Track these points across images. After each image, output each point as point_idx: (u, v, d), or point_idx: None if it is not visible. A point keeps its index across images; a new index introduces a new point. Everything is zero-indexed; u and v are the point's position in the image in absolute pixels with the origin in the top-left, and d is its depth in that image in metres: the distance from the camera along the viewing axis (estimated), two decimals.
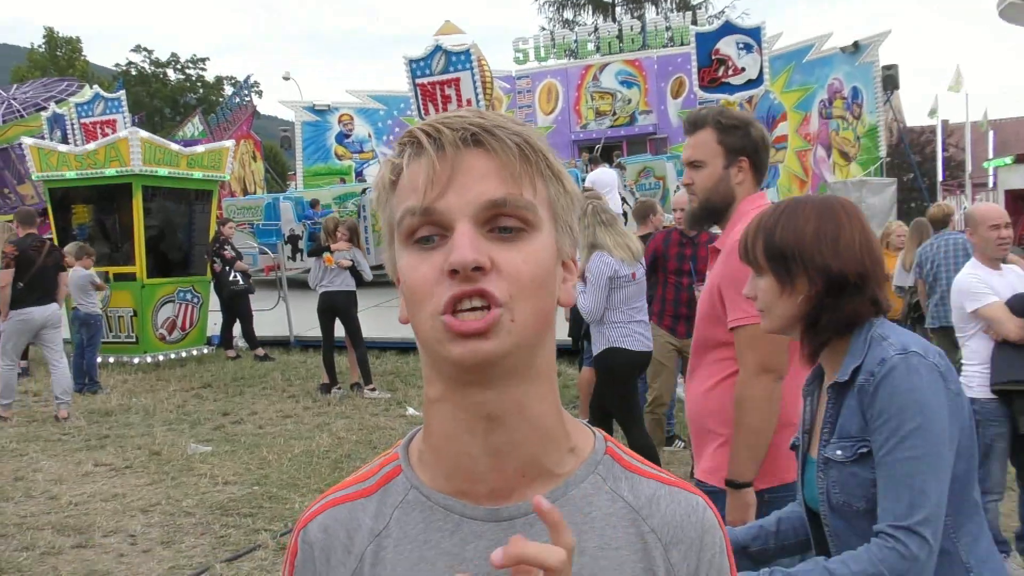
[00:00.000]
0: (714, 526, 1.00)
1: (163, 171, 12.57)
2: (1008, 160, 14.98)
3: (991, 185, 22.40)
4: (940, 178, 28.81)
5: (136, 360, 11.97)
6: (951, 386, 1.76)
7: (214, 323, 13.12)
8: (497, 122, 0.93)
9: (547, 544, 0.82)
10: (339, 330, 9.89)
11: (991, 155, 27.78)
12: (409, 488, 0.99)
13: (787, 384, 2.62)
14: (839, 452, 1.79)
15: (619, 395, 5.96)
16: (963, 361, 4.71)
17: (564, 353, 10.28)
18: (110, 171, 12.27)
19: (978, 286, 4.58)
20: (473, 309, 0.89)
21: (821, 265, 1.86)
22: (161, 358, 12.09)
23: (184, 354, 12.41)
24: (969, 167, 28.77)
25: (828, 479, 1.82)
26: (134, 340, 12.23)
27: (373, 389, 9.85)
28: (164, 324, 12.43)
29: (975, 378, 4.59)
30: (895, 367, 1.73)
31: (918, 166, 25.39)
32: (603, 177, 14.31)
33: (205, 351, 12.81)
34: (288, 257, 16.17)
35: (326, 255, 9.71)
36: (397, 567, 0.96)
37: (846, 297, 1.85)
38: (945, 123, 32.53)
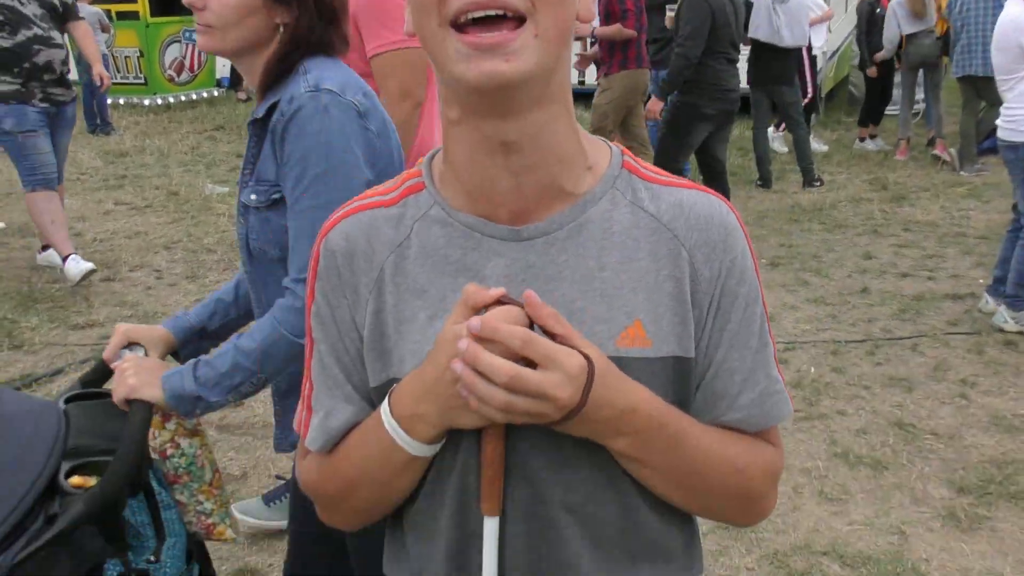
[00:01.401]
0: (736, 227, 0.98)
1: None
2: None
3: None
4: None
5: (147, 102, 11.91)
6: (372, 127, 1.61)
7: (223, 64, 12.91)
8: None
9: (497, 361, 0.83)
10: None
11: None
12: (432, 204, 0.98)
13: (430, 109, 2.67)
14: (253, 197, 1.65)
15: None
16: (1012, 106, 4.58)
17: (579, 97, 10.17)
18: None
19: None
20: (488, 20, 0.82)
21: None
22: (171, 100, 12.02)
23: (195, 96, 12.33)
24: None
25: (247, 225, 1.68)
26: (143, 81, 12.11)
27: None
28: (172, 65, 12.26)
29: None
30: (303, 106, 1.56)
31: None
32: None
33: (215, 93, 12.71)
34: None
35: None
36: (419, 279, 0.96)
37: (328, 26, 1.67)
38: None
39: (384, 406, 0.95)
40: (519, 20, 0.82)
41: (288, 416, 1.72)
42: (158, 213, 7.19)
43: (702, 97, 6.04)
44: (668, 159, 6.11)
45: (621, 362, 0.92)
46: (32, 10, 5.24)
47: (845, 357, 4.49)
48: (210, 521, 1.70)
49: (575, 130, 0.95)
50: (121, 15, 11.91)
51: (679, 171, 5.95)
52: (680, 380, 0.96)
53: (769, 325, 1.02)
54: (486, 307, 0.87)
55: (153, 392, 1.53)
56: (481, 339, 0.85)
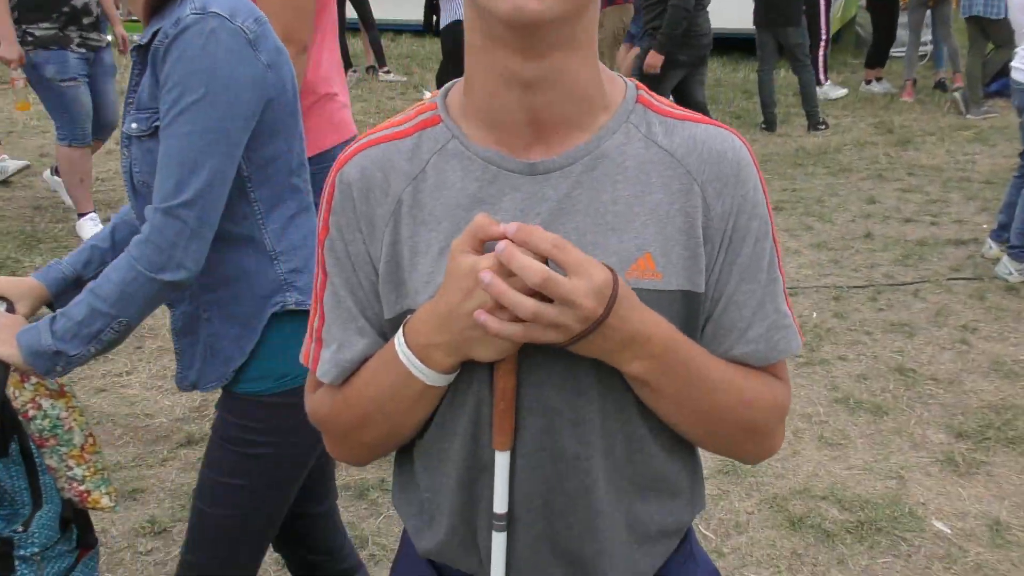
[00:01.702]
0: (748, 162, 0.99)
1: None
2: None
3: None
4: None
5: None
6: (262, 56, 1.52)
7: None
8: None
9: (531, 260, 0.85)
10: (352, 12, 9.61)
11: None
12: (449, 138, 0.99)
13: (318, 53, 2.59)
14: (135, 125, 1.56)
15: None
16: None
17: None
18: None
19: None
20: None
21: None
22: None
23: None
24: None
25: (131, 156, 1.60)
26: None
27: (388, 71, 9.74)
28: None
29: None
30: (187, 27, 1.46)
31: None
32: None
33: None
34: None
35: None
36: (435, 211, 0.97)
37: None
38: None
39: (399, 336, 0.97)
40: None
41: (188, 353, 1.67)
42: None
43: (673, 43, 6.00)
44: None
45: (634, 293, 0.93)
46: None
47: (847, 302, 4.50)
48: (83, 488, 1.65)
49: (597, 71, 0.96)
50: None
51: None
52: (688, 314, 0.98)
53: (780, 260, 1.03)
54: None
55: (7, 350, 1.47)
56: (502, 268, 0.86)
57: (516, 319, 0.88)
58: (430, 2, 9.90)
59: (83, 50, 5.05)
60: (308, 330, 1.08)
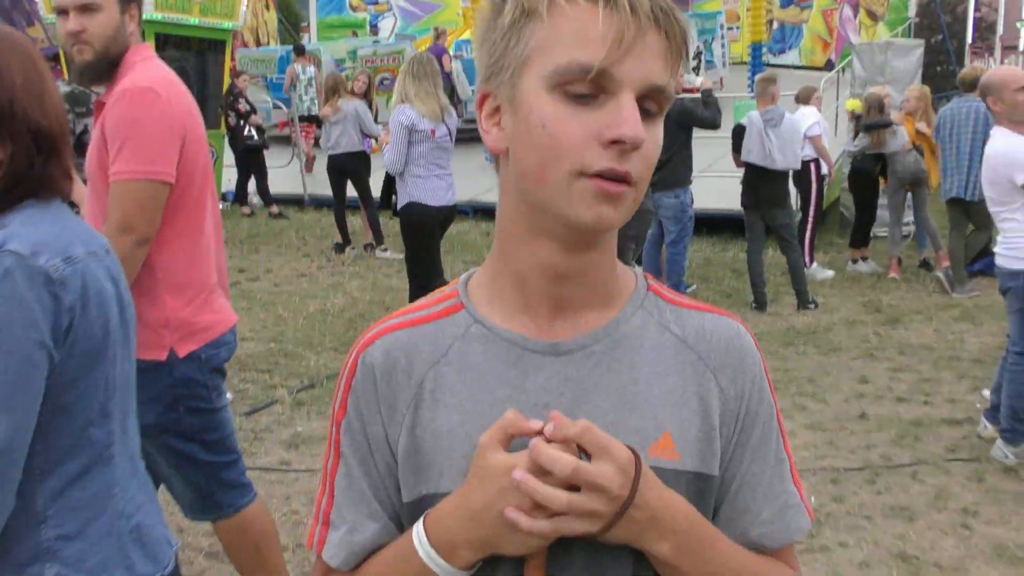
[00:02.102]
0: (753, 349, 1.05)
1: (175, 17, 12.32)
2: None
3: (1021, 48, 21.73)
4: (969, 40, 27.92)
5: None
6: (67, 297, 1.38)
7: (228, 179, 13.11)
8: (672, 4, 0.93)
9: (559, 453, 0.88)
10: (351, 190, 9.91)
11: None
12: (471, 323, 1.02)
13: (179, 245, 2.62)
14: None
15: (422, 248, 6.05)
16: (1010, 235, 4.51)
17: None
18: None
19: (1021, 156, 4.40)
20: (614, 180, 0.91)
21: (31, 121, 1.45)
22: None
23: None
24: (1000, 29, 27.86)
25: None
26: None
27: (385, 249, 9.94)
28: None
29: None
30: None
31: (947, 27, 24.59)
32: None
33: (220, 207, 12.85)
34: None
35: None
36: (458, 393, 1.00)
37: (48, 160, 1.48)
38: None
39: (418, 530, 0.96)
40: (632, 184, 0.92)
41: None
42: None
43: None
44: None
45: (654, 473, 0.95)
46: None
47: (845, 485, 4.44)
48: None
49: (614, 262, 1.04)
50: None
51: None
52: (700, 496, 1.00)
53: (786, 440, 1.08)
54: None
55: None
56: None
57: (549, 514, 0.89)
58: (388, 182, 10.05)
59: None
60: (315, 513, 1.07)
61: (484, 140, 0.98)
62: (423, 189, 5.86)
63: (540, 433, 0.91)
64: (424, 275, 6.01)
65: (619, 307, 1.03)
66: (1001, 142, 4.54)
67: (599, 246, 0.98)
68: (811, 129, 8.87)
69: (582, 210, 0.91)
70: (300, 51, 16.82)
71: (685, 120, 7.31)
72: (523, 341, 1.00)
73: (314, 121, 14.31)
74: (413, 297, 6.26)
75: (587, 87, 0.89)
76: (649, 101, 0.91)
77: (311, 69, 15.83)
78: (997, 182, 4.53)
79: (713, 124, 7.43)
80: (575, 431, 0.89)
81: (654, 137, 0.93)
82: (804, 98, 9.35)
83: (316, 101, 15.43)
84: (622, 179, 0.90)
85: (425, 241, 6.02)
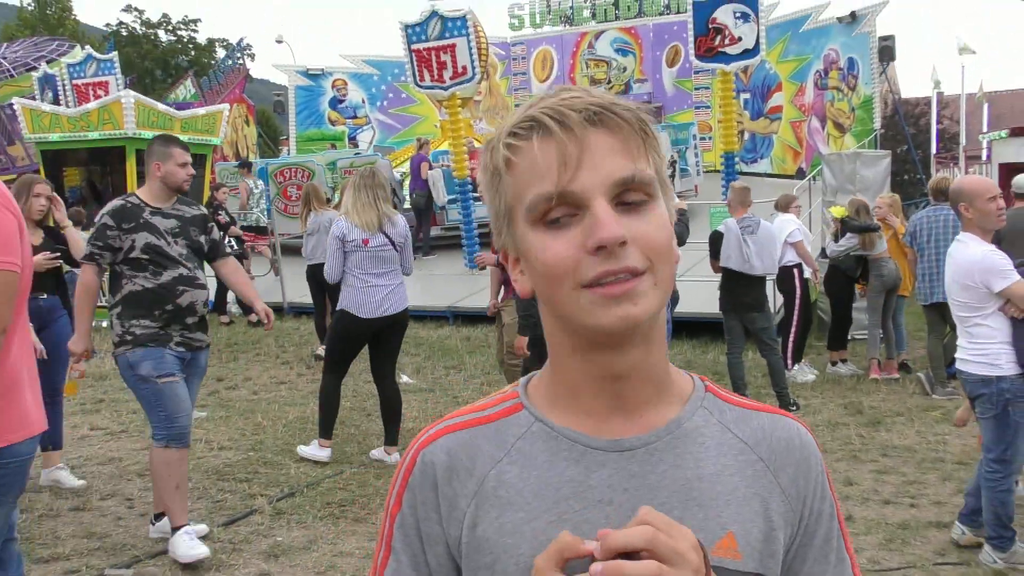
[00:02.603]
0: (813, 447, 1.07)
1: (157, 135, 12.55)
2: (1003, 134, 15.00)
3: (984, 158, 22.38)
4: (934, 150, 28.77)
5: None
6: None
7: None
8: (612, 99, 0.97)
9: (630, 529, 0.87)
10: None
11: (985, 128, 27.73)
12: (533, 421, 1.04)
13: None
14: None
15: (336, 351, 6.42)
16: (982, 341, 4.49)
17: None
18: (103, 134, 12.23)
19: (1004, 263, 4.40)
20: (618, 280, 0.93)
21: None
22: None
23: None
24: (963, 140, 28.73)
25: None
26: None
27: None
28: None
29: (1002, 356, 4.43)
30: None
31: (912, 138, 25.35)
32: None
33: None
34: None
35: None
36: (523, 491, 1.00)
37: None
38: (940, 95, 32.45)
39: None
40: (642, 273, 0.95)
41: None
42: (133, 439, 7.08)
43: (536, 329, 6.32)
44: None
45: (716, 571, 0.95)
46: (178, 250, 4.81)
47: None
48: None
49: (667, 362, 1.06)
50: None
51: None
52: None
53: (847, 539, 1.09)
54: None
55: None
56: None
57: None
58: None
59: (182, 348, 4.78)
60: None
61: (517, 288, 1.04)
62: (355, 300, 6.17)
63: (591, 555, 0.87)
64: (331, 375, 6.41)
65: (679, 405, 1.05)
66: (975, 249, 4.52)
67: (645, 343, 0.99)
68: (792, 235, 9.04)
69: (601, 317, 0.94)
70: (247, 166, 17.22)
71: None
72: (585, 439, 1.01)
73: (264, 232, 14.67)
74: (322, 390, 6.49)
75: (561, 211, 0.95)
76: (629, 193, 0.95)
77: (261, 183, 16.32)
78: (972, 287, 4.49)
79: (680, 241, 7.59)
80: (637, 540, 0.86)
81: (650, 222, 0.96)
82: (783, 205, 9.55)
83: (265, 212, 15.81)
84: (624, 276, 0.93)
85: (342, 346, 6.40)
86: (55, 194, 6.09)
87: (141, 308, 4.69)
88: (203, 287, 4.93)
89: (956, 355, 4.70)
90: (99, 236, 4.72)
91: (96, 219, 4.82)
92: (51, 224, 6.19)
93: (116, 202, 4.82)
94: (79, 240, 6.01)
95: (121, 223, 4.70)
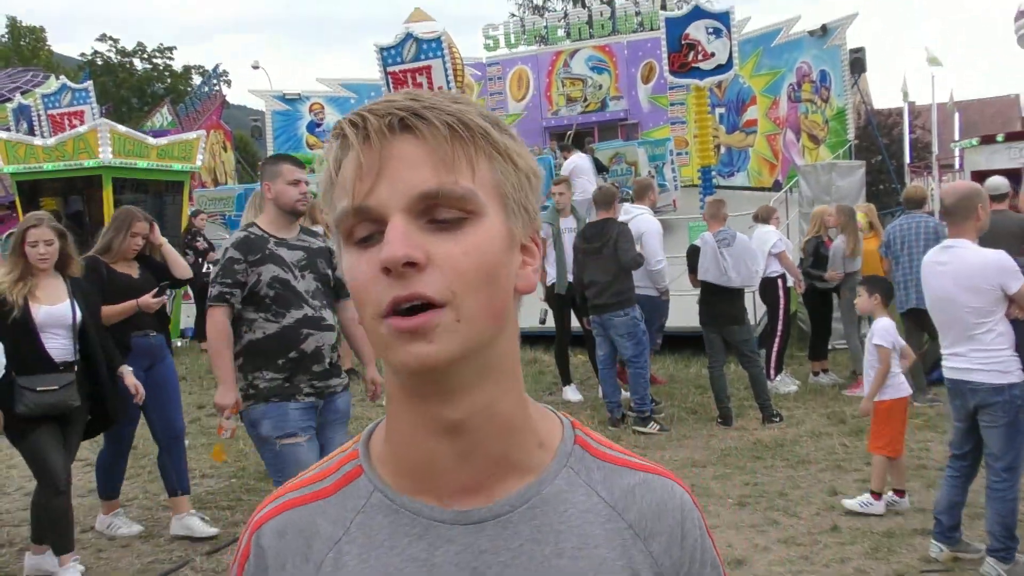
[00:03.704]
0: (690, 508, 0.97)
1: (134, 163, 12.47)
2: (974, 141, 15.14)
3: (957, 166, 22.61)
4: (907, 160, 29.02)
5: None
6: None
7: (187, 315, 13.04)
8: (431, 103, 0.85)
9: None
10: None
11: (957, 136, 28.00)
12: (372, 491, 0.93)
13: None
14: None
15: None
16: (992, 348, 4.39)
17: (540, 339, 10.32)
18: (80, 163, 12.16)
19: (1015, 264, 4.31)
20: (412, 309, 0.82)
21: None
22: None
23: None
24: (936, 149, 29.00)
25: None
26: None
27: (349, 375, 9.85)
28: None
29: (1012, 362, 4.37)
30: None
31: (886, 148, 25.58)
32: (582, 163, 14.33)
33: (179, 344, 12.74)
34: None
35: None
36: (363, 574, 0.90)
37: None
38: (912, 105, 32.76)
39: None
40: (440, 306, 0.82)
41: None
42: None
43: None
44: None
45: None
46: (306, 285, 4.27)
47: None
48: None
49: (524, 402, 0.93)
50: None
51: None
52: None
53: None
54: None
55: None
56: None
57: None
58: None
59: (312, 398, 4.23)
60: None
61: None
62: None
63: None
64: None
65: (541, 464, 0.92)
66: (986, 252, 4.42)
67: (482, 384, 0.87)
68: (776, 246, 9.08)
69: (399, 354, 0.83)
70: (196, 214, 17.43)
71: (622, 247, 7.56)
72: (428, 510, 0.90)
73: None
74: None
75: (366, 229, 0.84)
76: (439, 210, 0.83)
77: None
78: (986, 290, 4.35)
79: (634, 265, 7.66)
80: None
81: (459, 244, 0.83)
82: (764, 217, 9.58)
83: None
84: (417, 307, 0.81)
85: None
86: (152, 222, 5.71)
87: (263, 358, 4.17)
88: (331, 328, 4.34)
89: (954, 364, 4.56)
90: (227, 272, 4.16)
91: (220, 254, 4.29)
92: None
93: (239, 233, 4.29)
94: (178, 257, 5.84)
95: (247, 255, 4.18)
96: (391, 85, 15.14)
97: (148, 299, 5.43)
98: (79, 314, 4.85)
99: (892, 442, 5.65)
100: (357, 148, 0.84)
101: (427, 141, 0.83)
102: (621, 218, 8.17)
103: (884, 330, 5.70)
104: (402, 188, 0.82)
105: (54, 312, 4.77)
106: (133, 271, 5.58)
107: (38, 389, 4.64)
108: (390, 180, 0.83)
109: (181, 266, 5.82)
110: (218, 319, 4.19)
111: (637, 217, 8.39)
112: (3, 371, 4.54)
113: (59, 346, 4.79)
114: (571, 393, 9.03)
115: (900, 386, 5.69)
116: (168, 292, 5.82)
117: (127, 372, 5.15)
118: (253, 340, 4.20)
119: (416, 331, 0.81)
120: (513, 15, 33.05)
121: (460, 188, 0.83)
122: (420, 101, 0.85)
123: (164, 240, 5.82)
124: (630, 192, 13.25)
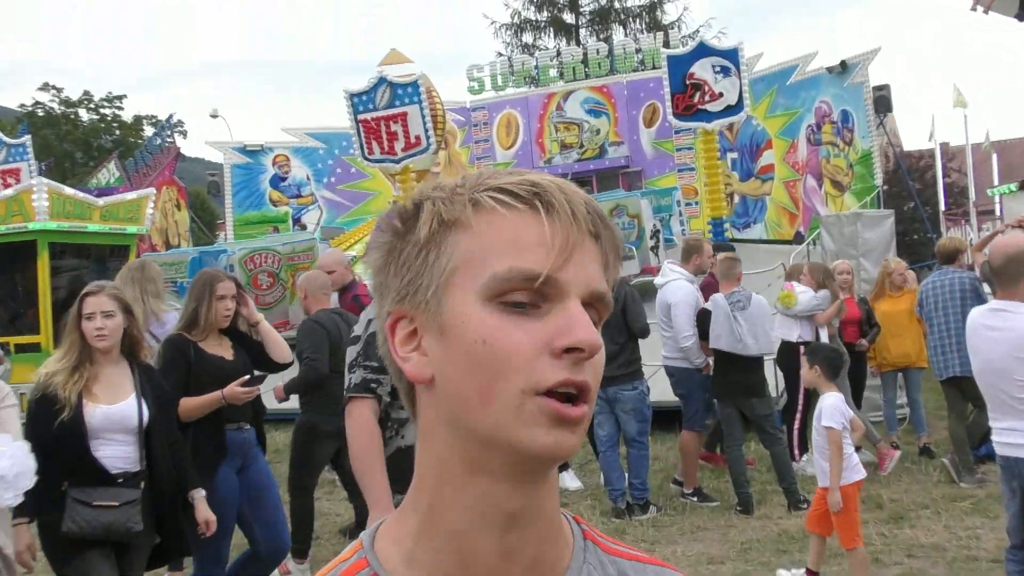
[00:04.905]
0: None
1: (79, 225, 12.45)
2: (1013, 187, 15.26)
3: (998, 213, 22.75)
4: (942, 207, 29.24)
5: None
6: None
7: None
8: (604, 211, 0.98)
9: None
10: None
11: (996, 180, 28.24)
12: None
13: None
14: None
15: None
16: None
17: None
18: (13, 227, 12.14)
19: None
20: (569, 397, 0.90)
21: None
22: None
23: None
24: (973, 194, 29.24)
25: None
26: None
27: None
28: None
29: None
30: None
31: (918, 194, 25.76)
32: None
33: None
34: None
35: None
36: None
37: None
38: (945, 146, 33.11)
39: None
40: (588, 401, 0.92)
41: None
42: None
43: (322, 414, 6.36)
44: (295, 477, 6.62)
45: None
46: None
47: None
48: None
49: (557, 500, 1.01)
50: (20, 347, 12.01)
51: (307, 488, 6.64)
52: None
53: None
54: None
55: None
56: None
57: None
58: None
59: None
60: None
61: (402, 369, 0.95)
62: None
63: None
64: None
65: (565, 562, 1.00)
66: None
67: (549, 479, 0.96)
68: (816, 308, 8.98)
69: (539, 435, 0.89)
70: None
71: (631, 313, 7.57)
72: None
73: None
74: None
75: (527, 296, 0.91)
76: (591, 310, 0.93)
77: None
78: None
79: (642, 334, 7.71)
80: None
81: (601, 349, 0.94)
82: (794, 274, 9.51)
83: None
84: (579, 397, 0.90)
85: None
86: (242, 288, 5.29)
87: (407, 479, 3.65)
88: None
89: (1007, 440, 4.50)
90: (369, 354, 3.44)
91: (356, 332, 3.58)
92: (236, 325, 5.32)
93: (372, 307, 3.65)
94: (278, 337, 5.37)
95: None
96: (363, 134, 15.24)
97: (235, 389, 4.91)
98: (147, 414, 4.34)
99: (856, 526, 5.67)
100: (567, 219, 0.93)
101: (606, 247, 0.96)
102: (656, 281, 8.14)
103: (832, 408, 5.61)
104: (583, 278, 0.93)
105: (113, 414, 4.25)
106: (226, 351, 5.15)
107: (94, 504, 4.11)
108: (579, 266, 0.93)
109: (281, 347, 5.36)
110: (364, 417, 3.47)
111: (671, 283, 8.30)
112: (34, 478, 3.96)
113: (119, 454, 4.25)
114: (569, 480, 8.83)
115: (855, 468, 5.65)
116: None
117: (199, 499, 4.60)
118: (401, 448, 3.50)
119: (572, 421, 0.90)
120: (500, 54, 33.38)
121: (611, 299, 0.97)
122: (599, 207, 0.97)
123: (261, 316, 5.44)
124: (633, 249, 13.29)
